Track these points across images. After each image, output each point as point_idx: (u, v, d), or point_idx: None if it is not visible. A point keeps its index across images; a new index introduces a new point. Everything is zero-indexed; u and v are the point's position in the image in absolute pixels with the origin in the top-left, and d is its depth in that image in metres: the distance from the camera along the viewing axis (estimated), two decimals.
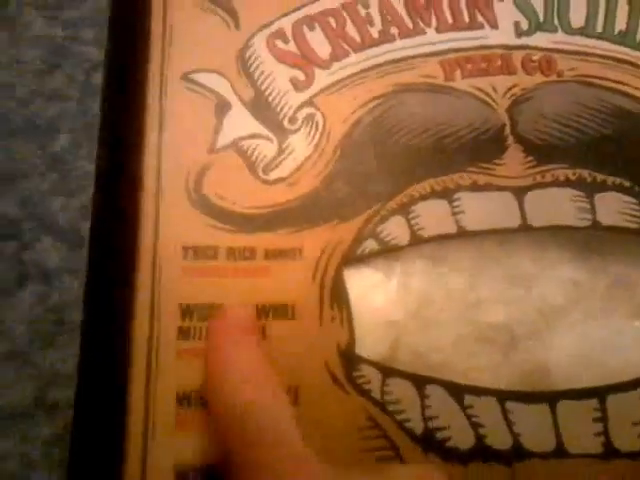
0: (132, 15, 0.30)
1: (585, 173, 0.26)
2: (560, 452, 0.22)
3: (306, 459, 0.19)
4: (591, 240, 0.25)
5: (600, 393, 0.22)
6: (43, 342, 0.26)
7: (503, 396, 0.22)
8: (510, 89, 0.27)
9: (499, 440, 0.22)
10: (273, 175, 0.25)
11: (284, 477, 0.18)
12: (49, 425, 0.25)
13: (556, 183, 0.26)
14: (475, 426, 0.22)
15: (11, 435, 0.25)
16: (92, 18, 0.32)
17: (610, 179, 0.26)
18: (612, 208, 0.25)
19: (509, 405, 0.22)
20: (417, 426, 0.22)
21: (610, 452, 0.22)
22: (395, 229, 0.25)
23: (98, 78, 0.31)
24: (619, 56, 0.28)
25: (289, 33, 0.28)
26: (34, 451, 0.25)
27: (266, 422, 0.19)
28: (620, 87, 0.27)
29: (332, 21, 0.28)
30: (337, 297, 0.24)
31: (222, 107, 0.26)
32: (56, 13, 0.32)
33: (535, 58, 0.28)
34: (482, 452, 0.22)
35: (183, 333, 0.23)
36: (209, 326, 0.22)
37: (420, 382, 0.23)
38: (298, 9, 0.28)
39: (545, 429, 0.22)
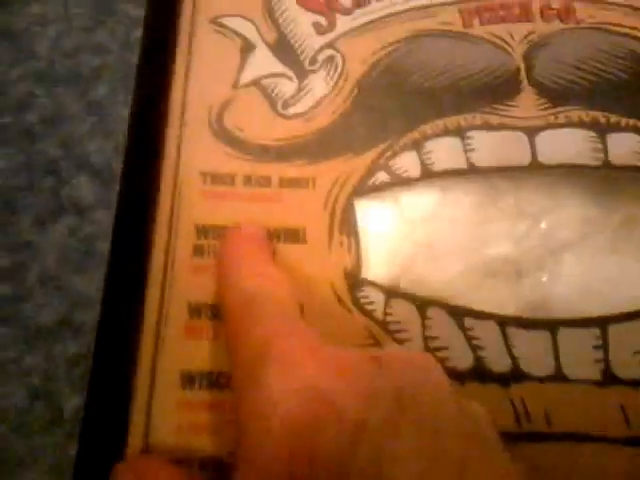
0: None
1: (599, 114, 0.26)
2: (558, 376, 0.22)
3: (311, 337, 0.19)
4: (603, 179, 0.25)
5: (602, 323, 0.22)
6: (73, 269, 0.28)
7: (504, 321, 0.23)
8: (527, 36, 0.28)
9: (498, 362, 0.22)
10: (291, 111, 0.26)
11: (293, 352, 0.18)
12: (74, 344, 0.27)
13: (569, 124, 0.26)
14: (474, 348, 0.22)
15: (38, 351, 0.26)
16: None
17: (624, 120, 0.26)
18: (625, 148, 0.25)
19: (509, 330, 0.23)
20: (416, 345, 0.22)
21: (609, 379, 0.22)
22: (407, 163, 0.25)
23: (137, 33, 0.33)
24: (636, 4, 0.28)
25: None
26: (58, 368, 0.26)
27: (273, 303, 0.20)
28: (637, 33, 0.27)
29: None
30: (347, 224, 0.24)
31: (247, 48, 0.28)
32: None
33: (554, 6, 0.28)
34: (480, 373, 0.22)
35: (198, 250, 0.24)
36: (223, 237, 0.23)
37: (422, 304, 0.23)
38: None
39: (544, 354, 0.22)
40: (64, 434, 0.25)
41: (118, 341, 0.26)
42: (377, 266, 0.24)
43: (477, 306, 0.23)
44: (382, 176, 0.25)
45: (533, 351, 0.22)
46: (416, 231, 0.25)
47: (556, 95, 0.26)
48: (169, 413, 0.21)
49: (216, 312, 0.23)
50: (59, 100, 0.32)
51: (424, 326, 0.23)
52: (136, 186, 0.29)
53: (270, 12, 0.28)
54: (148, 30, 0.32)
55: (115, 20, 0.34)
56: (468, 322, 0.23)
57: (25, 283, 0.28)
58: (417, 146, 0.26)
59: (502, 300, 0.24)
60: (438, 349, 0.22)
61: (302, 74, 0.27)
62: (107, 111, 0.31)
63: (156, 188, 0.26)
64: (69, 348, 0.26)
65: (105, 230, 0.28)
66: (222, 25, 0.28)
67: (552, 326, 0.23)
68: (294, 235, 0.24)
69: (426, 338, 0.23)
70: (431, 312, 0.23)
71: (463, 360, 0.22)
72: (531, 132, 0.26)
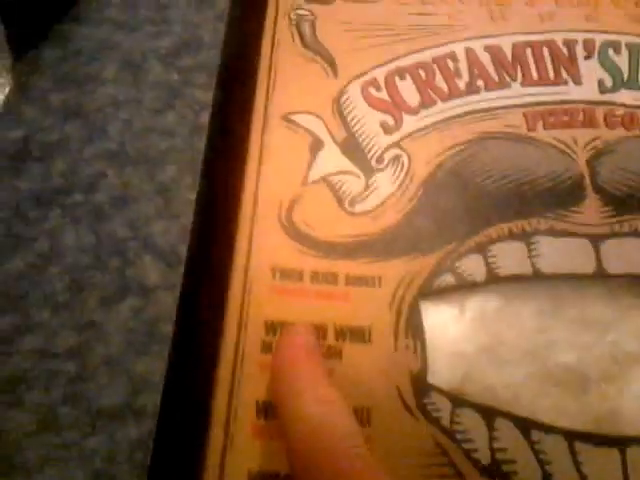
0: (240, 63, 0.33)
1: None
2: None
3: (378, 473, 0.19)
4: None
5: None
6: (136, 351, 0.29)
7: (572, 436, 0.23)
8: (591, 142, 0.28)
9: (566, 479, 0.22)
10: (358, 208, 0.27)
11: None
12: (135, 428, 0.27)
13: (634, 233, 0.26)
14: (542, 463, 0.22)
15: (100, 434, 0.27)
16: (204, 65, 0.36)
17: None
18: None
19: (578, 445, 0.23)
20: (484, 457, 0.22)
21: None
22: (472, 266, 0.26)
23: (205, 118, 0.34)
24: None
25: (382, 82, 0.30)
26: (120, 452, 0.27)
27: (340, 437, 0.20)
28: None
29: (422, 73, 0.30)
30: (412, 326, 0.25)
31: (316, 145, 0.28)
32: (174, 61, 0.36)
33: (618, 113, 0.29)
34: None
35: (266, 347, 0.24)
36: (277, 345, 0.23)
37: (489, 414, 0.23)
38: (391, 61, 0.31)
39: (613, 473, 0.22)
40: None
41: (180, 430, 0.27)
42: (442, 371, 0.24)
43: (542, 416, 0.23)
44: (448, 278, 0.26)
45: (602, 469, 0.22)
46: (480, 336, 0.25)
47: (621, 203, 0.27)
48: None
49: None
50: (128, 181, 0.33)
51: (491, 437, 0.23)
52: (201, 270, 0.30)
53: (339, 110, 0.29)
54: (216, 116, 0.34)
55: (184, 104, 0.35)
56: (535, 435, 0.23)
57: (89, 363, 0.28)
58: (482, 249, 0.26)
59: (568, 411, 0.24)
60: (506, 462, 0.22)
61: (369, 172, 0.28)
62: (173, 193, 0.32)
63: (221, 273, 0.27)
64: (131, 432, 0.27)
65: (168, 312, 0.29)
66: (293, 122, 0.29)
67: (621, 443, 0.22)
68: (360, 334, 0.25)
69: (493, 450, 0.23)
70: (498, 423, 0.23)
71: (531, 475, 0.22)
72: (596, 240, 0.26)
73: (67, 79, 0.36)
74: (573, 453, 0.22)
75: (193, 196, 0.32)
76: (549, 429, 0.23)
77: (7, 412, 0.27)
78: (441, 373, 0.24)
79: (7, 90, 0.35)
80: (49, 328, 0.29)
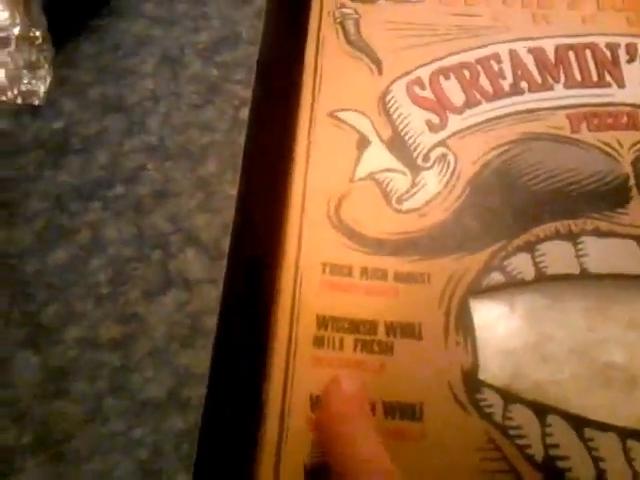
0: (280, 60, 0.34)
1: None
2: None
3: None
4: None
5: None
6: (180, 343, 0.29)
7: (624, 433, 0.23)
8: (635, 144, 0.29)
9: (620, 476, 0.22)
10: (406, 205, 0.27)
11: None
12: (180, 419, 0.27)
13: None
14: (595, 460, 0.23)
15: (146, 425, 0.27)
16: (243, 62, 0.36)
17: None
18: None
19: (630, 443, 0.23)
20: (538, 453, 0.23)
21: None
22: (521, 264, 0.26)
23: (245, 113, 0.34)
24: None
25: (426, 81, 0.30)
26: (166, 442, 0.27)
27: None
28: None
29: (467, 73, 0.30)
30: (462, 324, 0.25)
31: (363, 142, 0.29)
32: (212, 56, 0.36)
33: None
34: None
35: (318, 341, 0.25)
36: (325, 394, 0.23)
37: (541, 411, 0.23)
38: (434, 61, 0.31)
39: None
40: None
41: (227, 418, 0.27)
42: (493, 367, 0.24)
43: (593, 413, 0.24)
44: (497, 276, 0.26)
45: None
46: (529, 334, 0.25)
47: None
48: None
49: None
50: (168, 174, 0.33)
51: (544, 433, 0.23)
52: (245, 264, 0.30)
53: (385, 108, 0.30)
54: (256, 112, 0.34)
55: (223, 99, 0.35)
56: (588, 433, 0.23)
57: (133, 355, 0.28)
58: (530, 248, 0.26)
59: (617, 409, 0.24)
60: (560, 458, 0.23)
61: (415, 170, 0.28)
62: (214, 188, 0.32)
63: (272, 271, 0.27)
64: (177, 423, 0.27)
65: (212, 305, 0.29)
66: (339, 119, 0.29)
67: None
68: (410, 330, 0.25)
69: (546, 446, 0.23)
70: (550, 420, 0.23)
71: (585, 472, 0.22)
72: None
73: (106, 73, 0.36)
74: (626, 451, 0.23)
75: (234, 191, 0.33)
76: (601, 426, 0.23)
77: (54, 402, 0.27)
78: (491, 369, 0.24)
79: (48, 82, 0.35)
80: (92, 319, 0.29)
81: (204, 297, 0.30)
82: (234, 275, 0.30)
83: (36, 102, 0.35)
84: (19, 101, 0.35)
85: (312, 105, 0.30)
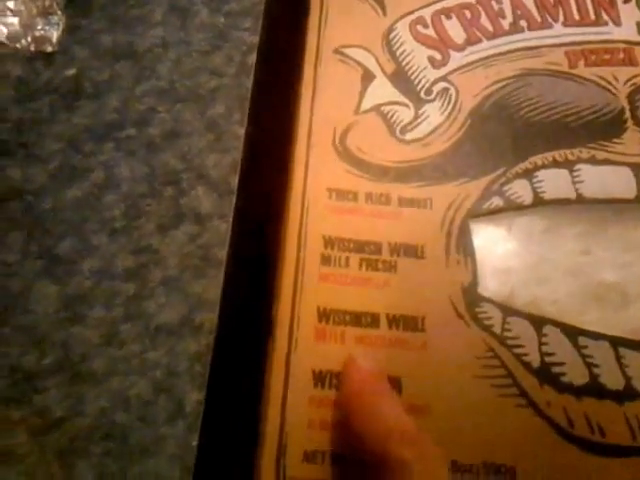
0: (283, 8, 0.35)
1: None
2: None
3: None
4: None
5: None
6: (192, 273, 0.30)
7: (616, 342, 0.24)
8: (631, 79, 0.30)
9: (612, 380, 0.23)
10: (409, 136, 0.28)
11: None
12: (194, 342, 0.28)
13: None
14: (589, 365, 0.24)
15: (161, 348, 0.28)
16: (249, 10, 0.37)
17: None
18: None
19: (622, 350, 0.24)
20: (534, 360, 0.24)
21: None
22: (519, 190, 0.27)
23: (252, 59, 0.35)
24: None
25: (429, 20, 0.31)
26: (179, 364, 0.28)
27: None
28: None
29: (467, 13, 0.31)
30: (463, 244, 0.26)
31: (367, 77, 0.30)
32: (219, 5, 0.37)
33: None
34: (596, 389, 0.23)
35: (325, 260, 0.26)
36: (344, 375, 0.23)
37: (538, 322, 0.25)
38: (437, 2, 0.32)
39: None
40: (185, 426, 0.27)
41: (238, 339, 0.28)
42: (492, 284, 0.26)
43: (586, 325, 0.25)
44: (496, 201, 0.27)
45: None
46: (527, 254, 0.26)
47: None
48: (302, 408, 0.23)
49: (342, 319, 0.25)
50: (179, 117, 0.34)
51: (540, 342, 0.24)
52: (253, 199, 0.31)
53: (389, 45, 0.31)
54: (264, 48, 0.35)
55: (231, 45, 0.36)
56: (582, 341, 0.24)
57: (148, 284, 0.30)
58: (529, 175, 0.27)
59: (610, 323, 0.25)
60: (555, 364, 0.24)
61: (418, 103, 0.29)
62: (223, 129, 0.33)
63: (281, 199, 0.28)
64: (190, 346, 0.28)
65: (221, 238, 0.30)
66: (345, 55, 0.30)
67: None
68: (413, 250, 0.26)
69: (542, 353, 0.24)
70: (547, 330, 0.24)
71: (579, 376, 0.23)
72: (636, 168, 0.27)
73: (117, 22, 0.37)
74: (618, 357, 0.24)
75: (242, 131, 0.34)
76: (595, 335, 0.24)
77: (72, 328, 0.29)
78: (490, 286, 0.26)
79: (61, 29, 0.36)
80: (107, 251, 0.30)
81: (214, 231, 0.31)
82: (243, 210, 0.31)
83: (49, 49, 0.36)
84: (32, 48, 0.36)
85: (318, 43, 0.30)
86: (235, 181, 0.32)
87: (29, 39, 0.36)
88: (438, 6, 0.32)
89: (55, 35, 0.36)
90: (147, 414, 0.27)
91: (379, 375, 0.23)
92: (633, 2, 0.32)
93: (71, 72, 0.36)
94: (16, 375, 0.27)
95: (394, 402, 0.22)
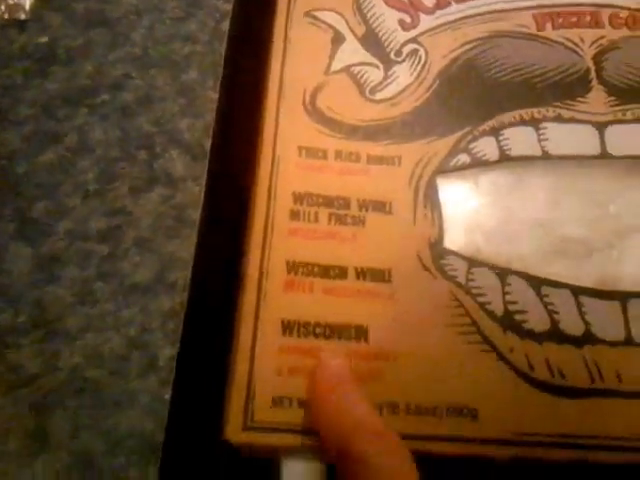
0: None
1: None
2: (628, 341, 0.24)
3: None
4: None
5: None
6: (165, 234, 0.30)
7: (577, 290, 0.25)
8: (597, 40, 0.30)
9: (572, 326, 0.24)
10: (379, 96, 0.29)
11: None
12: (167, 300, 0.29)
13: (636, 120, 0.28)
14: (550, 313, 0.24)
15: (135, 306, 0.29)
16: None
17: None
18: None
19: (583, 299, 0.25)
20: (497, 308, 0.24)
21: None
22: (486, 147, 0.28)
23: (225, 26, 0.35)
24: None
25: None
26: (153, 321, 0.28)
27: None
28: None
29: None
30: (430, 200, 0.27)
31: (337, 39, 0.30)
32: None
33: (622, 15, 0.31)
34: (556, 335, 0.24)
35: (294, 215, 0.26)
36: (313, 374, 0.23)
37: (502, 273, 0.25)
38: None
39: (615, 321, 0.24)
40: (158, 380, 0.27)
41: (211, 296, 0.29)
42: (458, 238, 0.26)
43: (551, 277, 0.25)
44: (463, 157, 0.27)
45: (604, 318, 0.24)
46: (494, 208, 0.27)
47: (624, 94, 0.29)
48: (271, 356, 0.23)
49: (310, 270, 0.25)
50: (152, 82, 0.34)
51: (504, 292, 0.25)
52: (224, 160, 0.32)
53: (359, 8, 0.31)
54: (235, 21, 0.35)
55: (205, 13, 0.36)
56: (545, 290, 0.25)
57: (121, 244, 0.30)
58: (495, 133, 0.28)
59: (574, 273, 0.26)
60: (517, 312, 0.24)
61: (388, 64, 0.30)
62: (197, 93, 0.34)
63: (243, 162, 0.29)
64: (163, 303, 0.29)
65: (195, 200, 0.31)
66: (316, 17, 0.31)
67: (622, 297, 0.25)
68: (381, 206, 0.26)
69: (506, 302, 0.25)
70: (510, 279, 0.25)
71: (540, 323, 0.24)
72: (600, 126, 0.28)
73: None
74: (579, 305, 0.24)
75: (215, 96, 0.34)
76: (557, 284, 0.25)
77: (46, 286, 0.29)
78: (457, 240, 0.26)
79: None
80: (81, 213, 0.31)
81: (188, 193, 0.31)
82: (216, 172, 0.31)
83: (22, 16, 0.36)
84: (6, 16, 0.36)
85: (288, 6, 0.31)
86: (208, 144, 0.33)
87: (2, 7, 0.36)
88: None
89: (28, 3, 0.36)
90: (121, 369, 0.27)
91: (347, 374, 0.23)
92: None
93: (44, 39, 0.36)
94: None
95: (361, 399, 0.22)
